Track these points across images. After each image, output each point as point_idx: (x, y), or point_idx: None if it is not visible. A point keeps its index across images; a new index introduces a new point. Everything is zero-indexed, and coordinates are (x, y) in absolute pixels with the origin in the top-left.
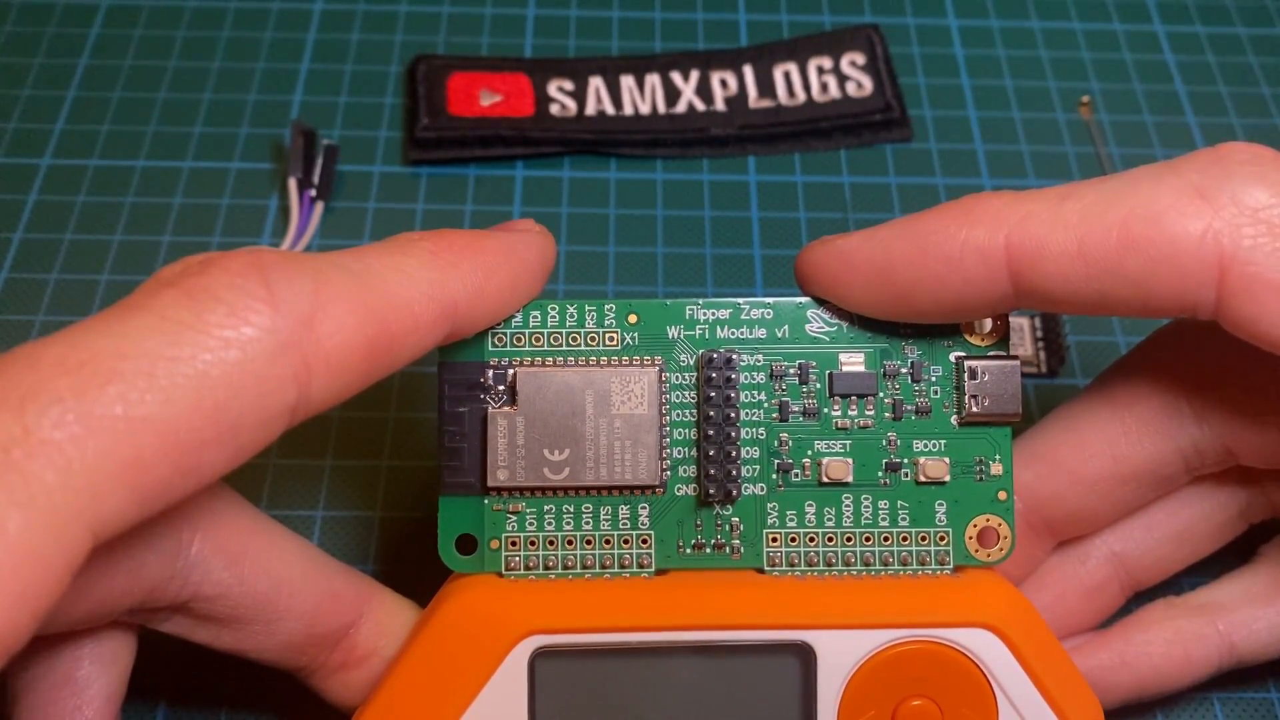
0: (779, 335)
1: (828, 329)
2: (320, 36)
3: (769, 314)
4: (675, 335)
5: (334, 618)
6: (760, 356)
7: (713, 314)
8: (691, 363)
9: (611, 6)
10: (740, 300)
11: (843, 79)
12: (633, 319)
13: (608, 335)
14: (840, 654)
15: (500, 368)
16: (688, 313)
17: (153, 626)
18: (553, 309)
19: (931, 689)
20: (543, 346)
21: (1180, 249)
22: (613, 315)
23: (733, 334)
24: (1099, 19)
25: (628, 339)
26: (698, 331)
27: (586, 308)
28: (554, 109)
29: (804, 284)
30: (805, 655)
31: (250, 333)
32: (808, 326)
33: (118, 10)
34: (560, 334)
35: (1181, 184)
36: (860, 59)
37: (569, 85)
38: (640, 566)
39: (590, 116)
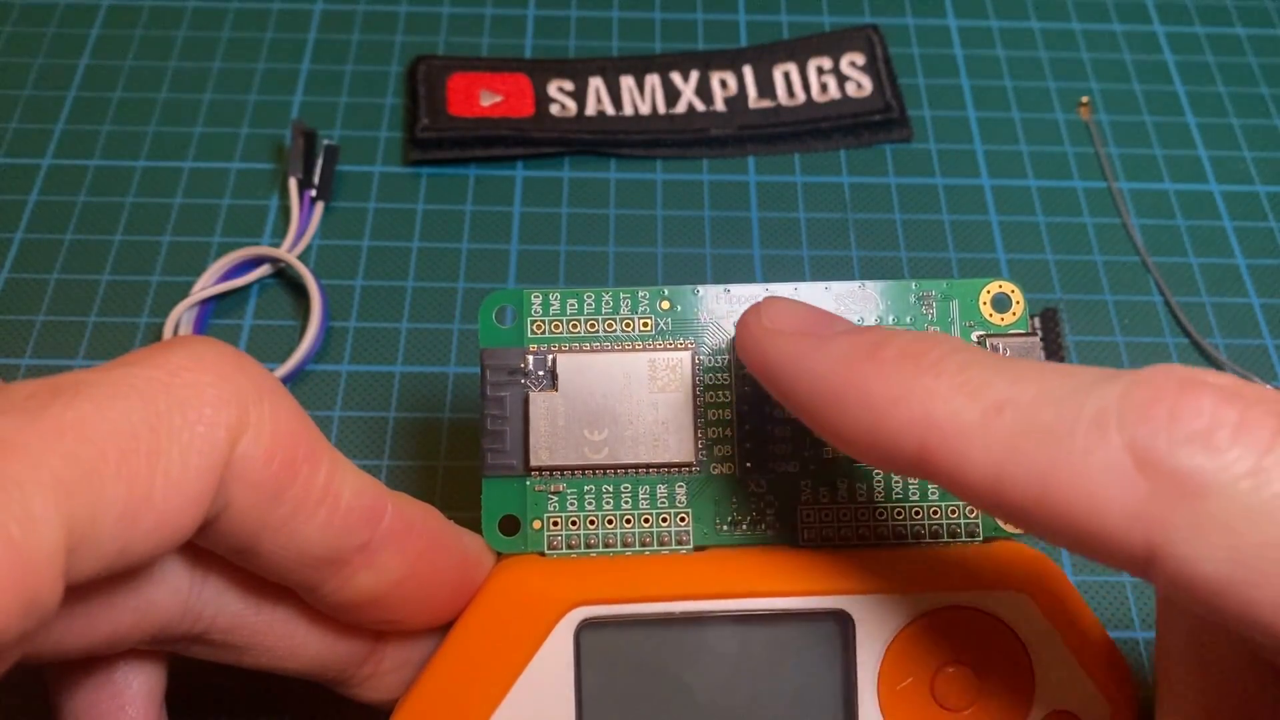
0: None
1: (855, 312)
2: (320, 36)
3: (796, 298)
4: (706, 320)
5: (359, 636)
6: None
7: (742, 299)
8: (724, 345)
9: (611, 6)
10: (767, 285)
11: (842, 79)
12: (665, 305)
13: (642, 321)
14: (878, 621)
15: (540, 353)
16: (716, 298)
17: (174, 653)
18: (589, 296)
19: (969, 656)
20: (580, 332)
21: (1108, 526)
22: (646, 302)
23: None
24: (1099, 19)
25: (661, 324)
26: (728, 315)
27: (621, 295)
28: (554, 109)
29: (738, 348)
30: (844, 622)
31: None
32: (835, 309)
33: (118, 10)
34: (596, 320)
35: (1118, 449)
36: (860, 59)
37: (569, 85)
38: (679, 543)
39: (590, 117)
